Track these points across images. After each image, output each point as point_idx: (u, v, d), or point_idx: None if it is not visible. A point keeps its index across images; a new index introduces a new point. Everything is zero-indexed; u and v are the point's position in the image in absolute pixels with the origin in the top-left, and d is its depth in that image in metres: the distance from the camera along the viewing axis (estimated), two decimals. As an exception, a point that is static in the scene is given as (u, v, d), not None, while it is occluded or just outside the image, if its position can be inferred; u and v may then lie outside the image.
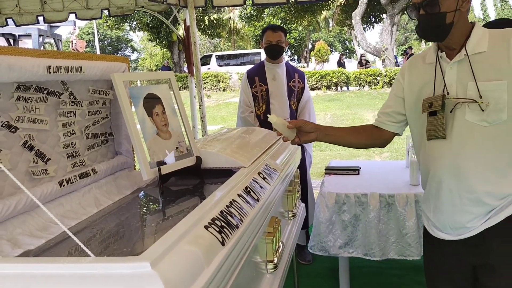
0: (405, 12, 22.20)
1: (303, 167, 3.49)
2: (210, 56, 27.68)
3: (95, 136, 1.90)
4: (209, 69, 24.69)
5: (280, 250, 1.99)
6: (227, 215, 1.40)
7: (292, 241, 2.46)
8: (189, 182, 1.99)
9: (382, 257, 2.90)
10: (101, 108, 1.94)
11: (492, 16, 43.66)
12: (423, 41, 47.51)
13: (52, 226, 1.43)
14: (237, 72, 21.80)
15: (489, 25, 3.15)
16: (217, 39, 36.81)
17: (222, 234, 1.27)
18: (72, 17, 5.12)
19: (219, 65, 25.91)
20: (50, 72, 1.48)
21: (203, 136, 4.87)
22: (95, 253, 1.13)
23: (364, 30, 22.91)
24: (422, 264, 3.21)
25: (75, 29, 16.44)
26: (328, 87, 19.25)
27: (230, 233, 1.31)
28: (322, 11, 25.46)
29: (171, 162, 1.87)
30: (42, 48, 13.60)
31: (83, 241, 1.39)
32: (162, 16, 5.21)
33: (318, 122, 3.75)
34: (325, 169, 3.51)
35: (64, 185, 1.59)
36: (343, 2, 23.65)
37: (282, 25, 28.32)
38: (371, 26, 25.84)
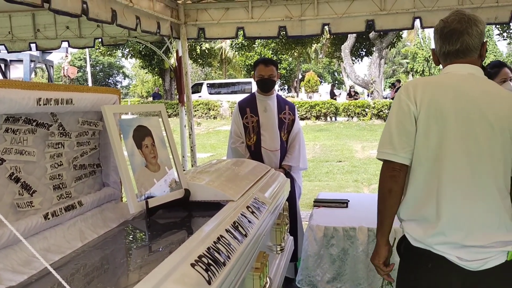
0: (394, 45, 22.76)
1: (292, 199, 3.48)
2: (201, 84, 27.90)
3: (83, 167, 1.89)
4: (200, 97, 24.84)
5: (267, 286, 1.97)
6: (214, 252, 1.38)
7: (279, 275, 2.43)
8: (177, 215, 1.97)
9: (370, 292, 2.88)
10: (90, 139, 1.93)
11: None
12: (410, 74, 48.52)
13: (35, 261, 1.40)
14: (228, 101, 21.96)
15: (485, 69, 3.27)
16: (208, 67, 37.16)
17: (209, 272, 1.25)
18: (64, 44, 5.15)
19: (210, 93, 26.10)
20: (40, 104, 1.47)
21: (192, 165, 4.86)
22: (78, 291, 1.11)
23: (353, 63, 23.33)
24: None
25: (67, 56, 16.52)
26: (317, 117, 19.44)
27: (217, 271, 1.29)
28: (312, 44, 25.91)
29: (159, 194, 1.86)
30: (33, 73, 13.61)
31: (66, 277, 1.36)
32: (155, 46, 5.27)
33: (307, 152, 3.77)
34: (314, 201, 3.51)
35: (49, 218, 1.57)
36: (332, 36, 24.12)
37: (272, 55, 28.74)
38: (360, 59, 26.33)
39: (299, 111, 19.21)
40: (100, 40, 5.00)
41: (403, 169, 1.68)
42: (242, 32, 4.48)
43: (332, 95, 22.34)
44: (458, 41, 1.72)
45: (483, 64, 2.00)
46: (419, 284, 1.68)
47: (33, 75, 13.88)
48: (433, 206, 1.64)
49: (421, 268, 1.67)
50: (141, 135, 1.85)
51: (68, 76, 16.24)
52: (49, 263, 1.32)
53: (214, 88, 27.29)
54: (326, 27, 4.26)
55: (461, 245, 1.60)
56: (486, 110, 1.63)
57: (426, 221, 1.66)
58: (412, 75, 48.38)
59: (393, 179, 1.68)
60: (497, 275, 1.60)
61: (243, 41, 25.75)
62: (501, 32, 22.19)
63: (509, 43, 24.53)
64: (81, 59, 44.93)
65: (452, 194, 1.62)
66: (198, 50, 27.98)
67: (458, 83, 1.69)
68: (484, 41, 1.75)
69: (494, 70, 3.30)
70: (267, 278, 1.99)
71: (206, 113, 22.03)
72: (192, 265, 1.24)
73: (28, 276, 1.34)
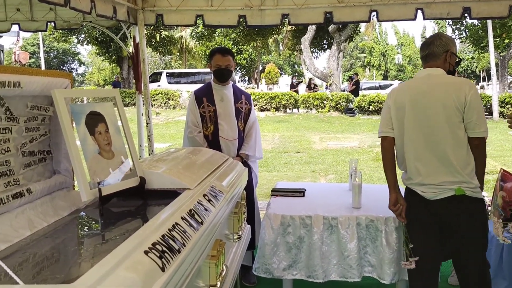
0: (352, 39, 23.17)
1: (249, 188, 3.49)
2: (160, 73, 27.38)
3: (32, 154, 1.82)
4: (159, 86, 24.38)
5: (223, 274, 1.97)
6: (169, 239, 1.37)
7: (236, 263, 2.44)
8: (132, 203, 1.93)
9: (324, 279, 2.94)
10: (40, 124, 1.86)
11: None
12: (367, 68, 49.64)
13: (-21, 250, 1.34)
14: (188, 91, 21.65)
15: None
16: (168, 56, 36.54)
17: (163, 260, 1.24)
18: (15, 28, 4.91)
19: (170, 83, 25.66)
20: (-16, 87, 1.40)
21: (149, 154, 4.78)
22: (25, 280, 1.07)
23: (316, 57, 23.54)
24: (362, 285, 3.28)
25: (18, 40, 15.79)
26: (277, 109, 19.57)
27: (171, 258, 1.28)
28: (273, 35, 25.97)
29: (113, 182, 1.82)
30: (-19, 57, 12.92)
31: (14, 266, 1.31)
32: (112, 32, 5.12)
33: (266, 142, 3.78)
34: (272, 191, 3.54)
35: (-6, 206, 1.50)
36: (293, 28, 24.26)
37: (233, 46, 28.57)
38: (323, 51, 26.60)
39: (259, 102, 19.26)
40: (53, 24, 4.80)
41: (386, 139, 2.64)
42: (201, 20, 4.42)
43: (292, 87, 22.47)
44: (427, 49, 2.59)
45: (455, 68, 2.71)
46: (411, 208, 2.60)
47: (-20, 60, 13.20)
48: (404, 162, 2.60)
49: (409, 198, 2.62)
50: (94, 121, 1.80)
51: (19, 61, 15.52)
52: (-6, 252, 1.27)
53: (174, 77, 26.85)
54: (285, 18, 4.28)
55: (421, 184, 2.51)
56: (433, 97, 2.47)
57: (404, 171, 2.64)
58: (369, 69, 49.52)
59: (382, 146, 2.68)
60: (447, 204, 2.46)
61: (203, 30, 25.46)
62: (453, 30, 23.06)
63: (462, 41, 25.53)
64: (34, 45, 43.07)
65: (412, 154, 2.54)
66: (158, 38, 27.42)
67: (415, 83, 2.62)
68: (447, 50, 2.55)
69: None
70: (224, 266, 2.00)
71: (165, 103, 21.69)
72: (146, 252, 1.22)
73: (-29, 266, 1.28)
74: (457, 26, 22.60)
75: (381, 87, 28.06)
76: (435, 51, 2.56)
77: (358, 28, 23.93)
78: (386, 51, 48.28)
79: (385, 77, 45.99)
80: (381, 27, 48.31)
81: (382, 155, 2.67)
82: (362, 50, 51.40)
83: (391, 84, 29.53)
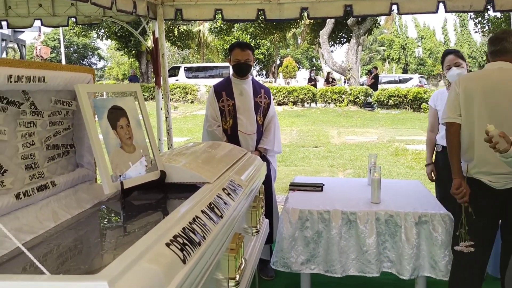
0: (371, 32, 22.87)
1: (268, 182, 3.50)
2: (178, 67, 27.53)
3: (56, 147, 1.86)
4: (177, 80, 24.52)
5: (242, 267, 1.99)
6: (190, 232, 1.39)
7: (255, 257, 2.46)
8: (152, 196, 1.96)
9: (343, 273, 2.93)
10: (63, 119, 1.89)
11: (453, 41, 45.58)
12: (386, 62, 49.02)
13: (6, 241, 1.38)
14: (205, 85, 21.75)
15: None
16: (186, 50, 36.69)
17: (184, 252, 1.26)
18: (37, 23, 5.00)
19: (188, 77, 25.80)
20: (11, 82, 1.44)
21: (168, 148, 4.82)
22: (50, 270, 1.10)
23: (332, 50, 23.32)
24: (381, 280, 3.26)
25: (40, 35, 16.06)
26: (294, 103, 19.50)
27: (192, 251, 1.30)
28: (291, 29, 25.84)
29: (134, 176, 1.85)
30: (4, 52, 13.18)
31: (39, 257, 1.34)
32: (131, 27, 5.16)
33: (284, 137, 3.79)
34: (290, 185, 3.54)
35: (21, 198, 1.54)
36: (312, 22, 24.09)
37: (251, 40, 28.50)
38: (341, 44, 26.35)
39: (276, 96, 19.21)
40: (74, 19, 4.87)
41: (453, 125, 2.64)
42: (220, 14, 4.42)
43: (310, 81, 22.34)
44: (499, 44, 2.63)
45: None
46: (473, 198, 2.59)
47: (4, 55, 13.46)
48: (470, 150, 2.62)
49: (472, 188, 2.60)
50: (116, 115, 1.83)
51: (41, 56, 15.80)
52: (21, 243, 1.30)
53: (192, 72, 26.98)
54: (304, 11, 4.25)
55: (490, 173, 2.55)
56: (505, 88, 2.54)
57: (468, 160, 2.64)
58: (389, 63, 48.89)
59: (448, 131, 2.68)
60: None
61: (222, 25, 25.47)
62: (475, 23, 22.64)
63: (483, 35, 25.02)
64: (54, 40, 43.72)
65: (482, 143, 2.37)
66: (176, 32, 27.54)
67: (487, 74, 2.69)
68: None
69: (442, 59, 3.56)
70: (242, 259, 2.02)
71: (183, 97, 21.80)
72: (167, 244, 1.24)
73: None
74: (479, 19, 22.14)
75: (401, 81, 27.70)
76: (508, 47, 2.61)
77: (377, 21, 23.63)
78: (406, 44, 47.52)
79: (405, 71, 45.30)
80: (401, 20, 47.53)
81: (449, 140, 2.68)
82: (382, 43, 50.74)
83: (411, 78, 29.13)
